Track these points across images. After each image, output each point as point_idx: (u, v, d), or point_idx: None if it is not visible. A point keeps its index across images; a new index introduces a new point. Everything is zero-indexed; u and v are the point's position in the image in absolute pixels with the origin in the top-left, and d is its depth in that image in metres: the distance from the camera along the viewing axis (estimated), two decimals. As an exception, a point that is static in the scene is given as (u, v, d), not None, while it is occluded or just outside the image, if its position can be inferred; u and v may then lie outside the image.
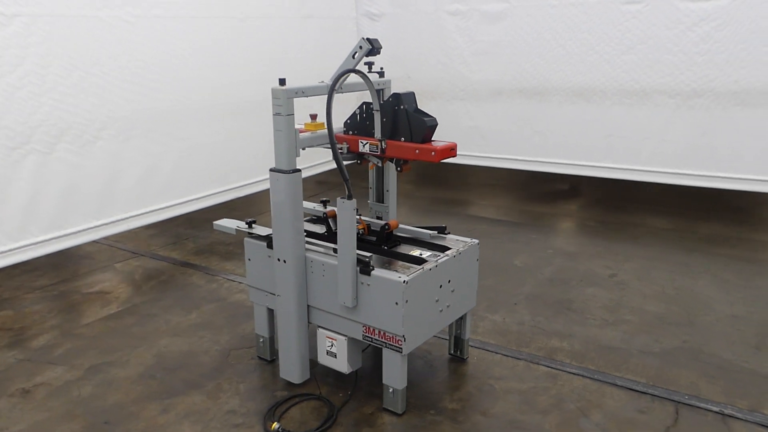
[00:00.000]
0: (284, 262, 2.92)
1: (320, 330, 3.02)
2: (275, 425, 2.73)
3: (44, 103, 4.01)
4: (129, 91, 4.50)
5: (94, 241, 4.65)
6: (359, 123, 2.96)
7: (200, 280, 4.48)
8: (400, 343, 2.73)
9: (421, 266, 2.80)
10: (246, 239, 3.22)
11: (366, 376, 3.15)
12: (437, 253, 2.97)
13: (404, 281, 2.65)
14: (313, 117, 3.15)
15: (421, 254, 2.97)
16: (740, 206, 6.00)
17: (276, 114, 2.77)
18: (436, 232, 3.21)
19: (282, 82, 2.79)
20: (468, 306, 3.18)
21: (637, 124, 5.50)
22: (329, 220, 3.29)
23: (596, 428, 2.73)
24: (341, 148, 2.99)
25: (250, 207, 6.21)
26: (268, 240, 3.10)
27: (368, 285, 2.75)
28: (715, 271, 4.47)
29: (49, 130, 4.06)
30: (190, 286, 4.37)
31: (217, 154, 5.26)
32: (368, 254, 2.79)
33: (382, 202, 3.48)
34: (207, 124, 5.14)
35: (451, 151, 2.79)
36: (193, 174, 5.08)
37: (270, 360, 3.34)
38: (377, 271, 2.74)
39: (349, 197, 2.69)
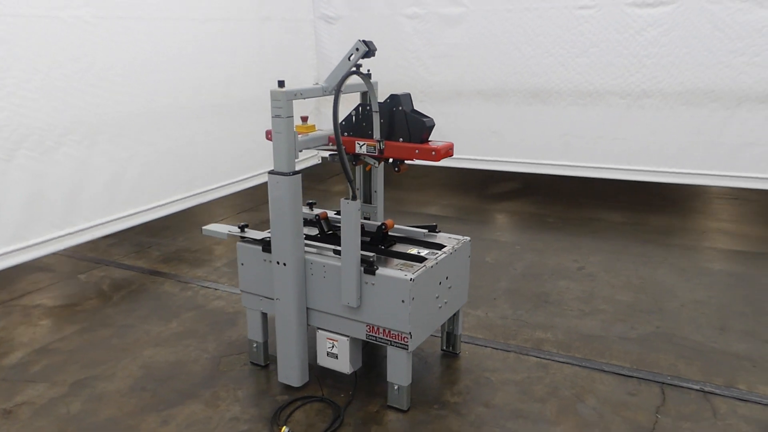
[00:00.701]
0: (284, 265, 2.90)
1: (320, 332, 3.02)
2: (284, 429, 2.72)
3: (3, 107, 3.82)
4: (92, 95, 4.34)
5: (52, 253, 4.42)
6: (355, 124, 2.98)
7: (173, 288, 4.36)
8: (406, 340, 2.77)
9: (423, 264, 2.86)
10: (239, 244, 3.18)
11: (362, 375, 3.17)
12: (434, 251, 3.04)
13: (411, 279, 2.70)
14: (304, 119, 3.16)
15: (419, 252, 3.03)
16: (684, 198, 6.40)
17: (276, 116, 2.76)
18: (427, 230, 3.27)
19: (281, 84, 2.78)
20: (461, 302, 3.27)
21: (591, 124, 5.77)
22: (321, 222, 3.29)
23: (594, 412, 2.87)
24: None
25: (210, 213, 6.10)
26: (263, 243, 3.07)
27: (373, 284, 2.78)
28: (671, 260, 4.76)
29: (9, 136, 3.86)
30: (165, 295, 4.25)
31: (181, 160, 5.14)
32: (371, 254, 2.82)
33: (370, 203, 3.51)
34: (171, 129, 5.01)
35: (449, 150, 2.87)
36: (159, 180, 4.94)
37: (264, 365, 3.30)
38: (382, 270, 2.77)
39: (354, 198, 2.72)
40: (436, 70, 6.36)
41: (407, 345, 2.78)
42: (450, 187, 7.44)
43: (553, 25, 5.70)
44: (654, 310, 3.92)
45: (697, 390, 3.04)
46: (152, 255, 5.04)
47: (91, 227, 4.44)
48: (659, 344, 3.49)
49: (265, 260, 3.07)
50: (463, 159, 6.37)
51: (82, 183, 4.31)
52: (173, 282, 4.47)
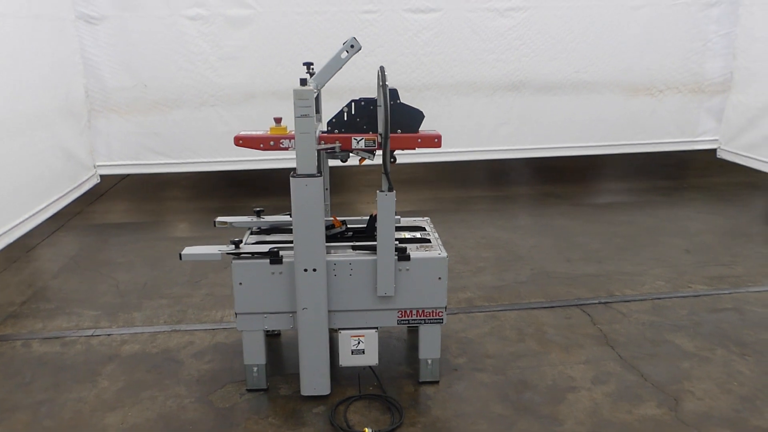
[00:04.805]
0: (314, 270, 2.79)
1: (343, 332, 2.98)
2: (367, 430, 2.68)
3: None
4: None
5: None
6: (347, 121, 3.00)
7: (52, 348, 3.49)
8: (441, 315, 3.00)
9: (435, 243, 3.10)
10: (236, 262, 2.87)
11: (353, 370, 3.18)
12: (424, 232, 3.29)
13: (446, 256, 2.94)
14: (278, 120, 3.03)
15: (414, 236, 3.24)
16: (459, 171, 7.64)
17: (302, 116, 2.64)
18: (399, 217, 3.48)
19: (303, 82, 2.67)
20: (430, 277, 3.58)
21: (383, 116, 6.44)
22: (301, 225, 3.17)
23: (561, 337, 3.55)
24: (333, 147, 2.99)
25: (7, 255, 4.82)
26: (271, 256, 2.86)
27: (407, 270, 2.92)
28: (488, 221, 5.80)
29: None
30: (49, 357, 3.39)
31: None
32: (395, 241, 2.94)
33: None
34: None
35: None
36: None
37: (265, 389, 3.06)
38: (415, 254, 2.93)
39: (390, 189, 2.81)
40: (225, 72, 6.18)
41: (442, 319, 3.00)
42: (247, 186, 7.28)
43: (341, 28, 6.16)
44: (516, 258, 4.83)
45: (598, 303, 4.00)
46: (-34, 321, 3.84)
47: None
48: (545, 280, 4.39)
49: (273, 273, 2.87)
50: (260, 160, 6.38)
51: None
52: (41, 341, 3.56)
